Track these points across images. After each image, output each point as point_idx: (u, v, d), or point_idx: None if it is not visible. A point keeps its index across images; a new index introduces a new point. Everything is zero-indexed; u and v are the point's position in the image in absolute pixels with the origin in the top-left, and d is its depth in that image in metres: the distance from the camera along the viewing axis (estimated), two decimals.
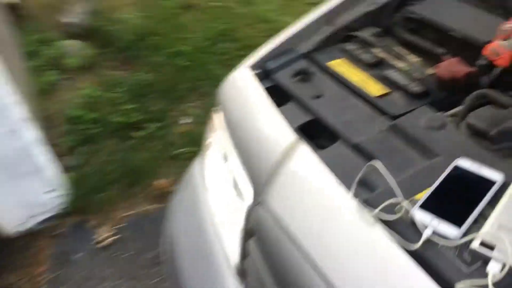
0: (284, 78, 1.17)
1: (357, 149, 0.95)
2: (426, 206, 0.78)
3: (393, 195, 0.81)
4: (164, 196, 2.10)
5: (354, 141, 0.96)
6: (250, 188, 1.01)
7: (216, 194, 1.22)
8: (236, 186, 1.09)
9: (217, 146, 1.23)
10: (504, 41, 1.04)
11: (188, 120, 2.53)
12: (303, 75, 1.15)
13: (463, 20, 1.17)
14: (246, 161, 1.04)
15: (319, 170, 0.90)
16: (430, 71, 1.12)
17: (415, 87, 1.06)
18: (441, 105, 1.03)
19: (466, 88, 1.06)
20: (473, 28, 1.13)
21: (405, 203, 0.78)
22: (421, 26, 1.21)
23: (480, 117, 0.92)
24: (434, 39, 1.19)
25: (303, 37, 1.26)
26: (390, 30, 1.26)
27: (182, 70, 2.80)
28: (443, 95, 1.06)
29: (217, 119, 1.23)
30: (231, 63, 2.68)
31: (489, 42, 1.06)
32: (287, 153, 0.94)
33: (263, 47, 1.27)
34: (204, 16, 3.16)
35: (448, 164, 0.84)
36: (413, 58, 1.17)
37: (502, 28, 1.05)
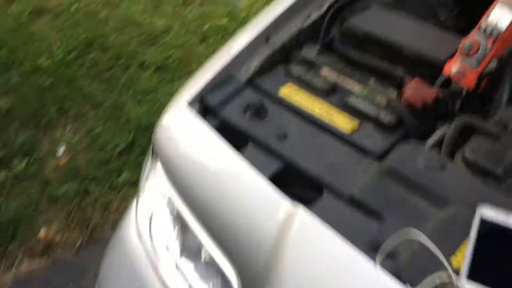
0: (234, 114, 0.97)
1: (355, 202, 0.80)
2: (473, 276, 0.66)
3: (422, 263, 0.68)
4: (51, 249, 1.75)
5: (347, 192, 0.81)
6: (231, 272, 0.80)
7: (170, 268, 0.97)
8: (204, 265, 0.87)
9: (162, 206, 0.98)
10: (467, 59, 0.97)
11: (63, 149, 2.15)
12: (256, 110, 0.96)
13: (412, 35, 1.08)
14: (218, 235, 0.83)
15: (328, 238, 0.73)
16: (393, 95, 1.01)
17: (387, 117, 0.94)
18: (416, 134, 0.94)
19: (435, 113, 0.98)
20: (426, 44, 1.05)
21: (453, 278, 0.65)
22: (367, 41, 1.10)
23: (478, 153, 0.83)
24: (382, 56, 1.08)
25: (240, 60, 1.06)
26: (332, 46, 1.13)
27: (45, 90, 2.37)
28: (416, 123, 0.96)
29: (158, 173, 0.98)
30: (105, 76, 2.36)
31: (448, 59, 0.99)
32: (285, 225, 0.75)
33: (196, 76, 1.05)
34: (61, 22, 2.73)
35: (467, 213, 0.73)
36: (367, 79, 1.05)
37: (463, 44, 0.98)
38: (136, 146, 2.05)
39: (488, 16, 0.96)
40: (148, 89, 2.29)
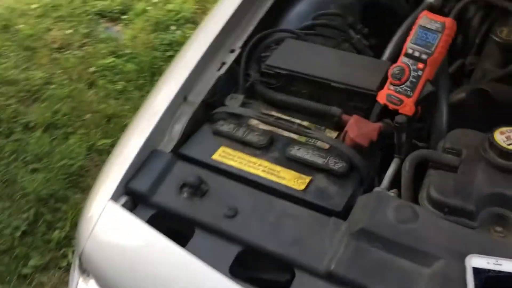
0: (169, 198, 0.83)
1: (334, 279, 0.71)
2: None
3: None
4: None
5: (322, 268, 0.72)
6: None
7: None
8: None
9: None
10: (400, 86, 0.92)
11: None
12: (193, 188, 0.83)
13: (336, 66, 1.02)
14: None
15: None
16: (332, 135, 0.94)
17: (338, 165, 0.87)
18: (368, 176, 0.87)
19: (379, 147, 0.92)
20: (352, 74, 0.99)
21: None
22: (291, 81, 1.02)
23: (445, 191, 0.78)
24: (310, 94, 1.01)
25: (159, 128, 0.93)
26: (255, 92, 1.03)
27: None
28: (367, 164, 0.89)
29: None
30: None
31: (379, 88, 0.94)
32: None
33: (110, 160, 0.89)
34: None
35: (456, 266, 0.68)
36: (301, 123, 0.97)
37: (393, 71, 0.93)
38: (40, 223, 1.80)
39: (411, 41, 0.92)
40: (41, 154, 2.02)
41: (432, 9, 1.17)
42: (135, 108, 2.25)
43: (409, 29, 1.12)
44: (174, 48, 2.60)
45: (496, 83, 1.03)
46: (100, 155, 2.07)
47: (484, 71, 1.09)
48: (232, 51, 1.07)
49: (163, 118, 0.92)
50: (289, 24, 1.20)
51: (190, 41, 1.06)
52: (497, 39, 1.07)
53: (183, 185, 0.83)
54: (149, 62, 2.53)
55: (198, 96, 0.98)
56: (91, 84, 2.41)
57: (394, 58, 1.09)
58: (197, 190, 0.83)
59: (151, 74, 2.47)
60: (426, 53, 0.90)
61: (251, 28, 1.11)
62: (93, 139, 2.13)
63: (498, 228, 0.75)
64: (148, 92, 2.31)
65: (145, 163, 0.87)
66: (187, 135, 0.94)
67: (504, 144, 0.79)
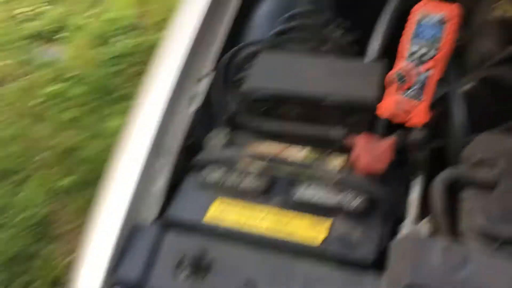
0: (165, 281, 0.68)
1: None
2: None
3: None
4: None
5: None
6: None
7: None
8: None
9: None
10: (408, 92, 0.79)
11: None
12: (193, 264, 0.69)
13: (324, 79, 0.88)
14: None
15: None
16: (339, 161, 0.80)
17: (355, 202, 0.73)
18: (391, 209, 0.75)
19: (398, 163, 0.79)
20: (344, 85, 0.86)
21: None
22: (278, 104, 0.87)
23: (492, 217, 0.65)
24: (301, 115, 0.87)
25: (137, 194, 0.77)
26: (240, 123, 0.88)
27: None
28: (388, 191, 0.76)
29: None
30: None
31: (379, 99, 0.81)
32: None
33: (87, 247, 0.73)
34: None
35: None
36: (297, 153, 0.83)
37: (396, 77, 0.80)
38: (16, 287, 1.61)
39: (412, 39, 0.78)
40: None
41: None
42: (93, 136, 2.06)
43: (393, 17, 1.00)
44: (122, 61, 2.40)
45: (503, 67, 0.91)
46: (68, 194, 1.88)
47: (482, 53, 0.97)
48: (200, 80, 0.91)
49: (141, 181, 0.76)
50: (258, 31, 1.05)
51: (150, 77, 0.90)
52: (495, 15, 0.95)
53: (179, 264, 0.69)
54: (98, 80, 2.32)
55: (173, 143, 0.83)
56: (37, 118, 2.19)
57: (382, 55, 0.96)
58: (198, 266, 0.68)
59: (104, 93, 2.27)
60: (432, 51, 0.77)
61: (217, 47, 0.95)
62: (55, 178, 1.93)
63: None
64: (106, 115, 2.15)
65: (129, 244, 0.72)
66: (170, 194, 0.79)
67: None
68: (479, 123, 0.84)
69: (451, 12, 0.76)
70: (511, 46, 0.94)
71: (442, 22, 0.77)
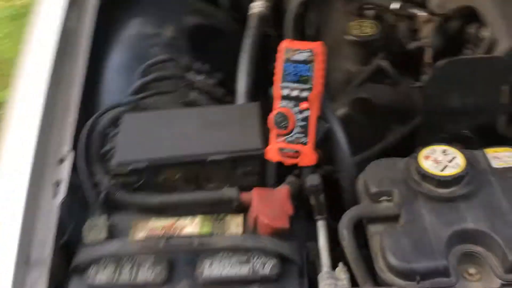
0: None
1: None
2: None
3: None
4: None
5: None
6: None
7: None
8: None
9: None
10: (290, 136, 0.76)
11: None
12: None
13: (200, 134, 0.81)
14: None
15: None
16: (237, 223, 0.73)
17: (267, 268, 0.67)
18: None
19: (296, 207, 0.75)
20: (224, 136, 0.80)
21: None
22: (153, 172, 0.78)
23: (404, 255, 0.64)
24: (184, 177, 0.79)
25: None
26: (113, 203, 0.77)
27: None
28: (296, 244, 0.71)
29: None
30: None
31: (266, 144, 0.77)
32: None
33: None
34: None
35: None
36: (190, 224, 0.75)
37: (275, 120, 0.76)
38: None
39: (283, 81, 0.75)
40: None
41: (263, 19, 1.03)
42: None
43: (253, 55, 0.96)
44: None
45: (369, 85, 0.93)
46: None
47: (348, 72, 0.98)
48: (62, 160, 0.78)
49: None
50: (114, 87, 0.95)
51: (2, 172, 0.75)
52: (351, 37, 0.96)
53: None
54: None
55: (42, 249, 0.69)
56: None
57: (251, 93, 0.93)
58: None
59: None
60: (305, 90, 0.75)
61: (72, 118, 0.83)
62: None
63: (471, 270, 0.64)
64: None
65: None
66: None
67: (437, 172, 0.68)
68: (359, 146, 0.84)
69: (316, 49, 0.74)
70: (370, 65, 0.97)
71: (309, 59, 0.75)
